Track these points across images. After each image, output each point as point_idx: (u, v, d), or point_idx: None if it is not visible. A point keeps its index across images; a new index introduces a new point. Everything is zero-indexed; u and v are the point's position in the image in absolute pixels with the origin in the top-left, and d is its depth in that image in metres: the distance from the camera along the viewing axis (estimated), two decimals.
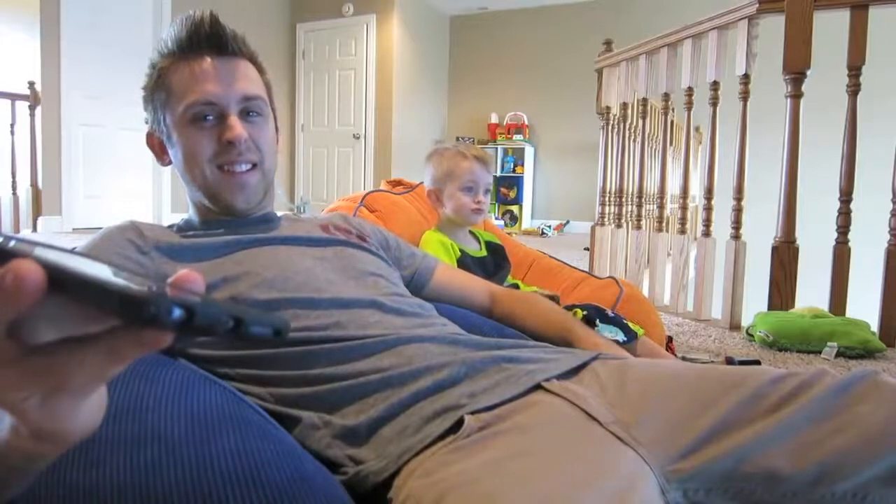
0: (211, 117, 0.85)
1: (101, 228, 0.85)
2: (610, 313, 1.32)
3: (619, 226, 3.14)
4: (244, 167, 0.87)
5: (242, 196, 0.88)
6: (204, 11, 0.85)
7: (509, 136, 6.70)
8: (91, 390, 0.28)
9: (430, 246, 1.36)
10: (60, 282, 0.23)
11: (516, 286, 1.48)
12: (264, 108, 0.90)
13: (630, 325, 1.31)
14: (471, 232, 1.52)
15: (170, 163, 0.92)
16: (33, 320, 0.25)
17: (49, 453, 0.30)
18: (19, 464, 0.30)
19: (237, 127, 0.84)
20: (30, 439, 0.28)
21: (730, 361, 1.63)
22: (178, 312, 0.22)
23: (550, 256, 1.79)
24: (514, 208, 6.61)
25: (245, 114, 0.87)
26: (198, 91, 0.83)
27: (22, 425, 0.27)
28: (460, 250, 1.38)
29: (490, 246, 1.49)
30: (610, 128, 3.23)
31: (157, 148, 0.92)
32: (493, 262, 1.44)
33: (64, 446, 0.29)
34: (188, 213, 0.95)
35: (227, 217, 0.91)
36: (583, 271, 1.68)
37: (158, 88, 0.87)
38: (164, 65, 0.86)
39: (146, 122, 0.93)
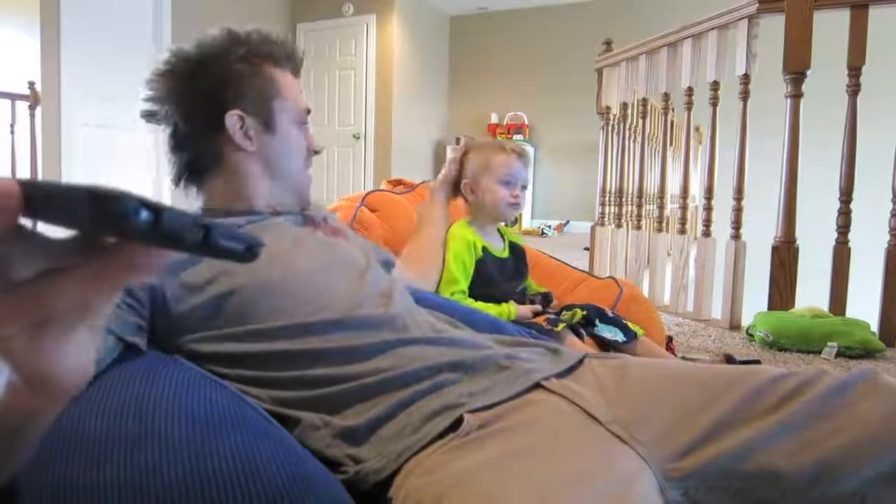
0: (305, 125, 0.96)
1: None
2: (610, 313, 1.32)
3: (619, 226, 3.14)
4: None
5: (308, 192, 0.99)
6: (289, 37, 0.96)
7: (509, 136, 6.69)
8: (77, 321, 0.28)
9: (454, 240, 1.32)
10: (35, 197, 0.24)
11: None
12: None
13: (630, 325, 1.31)
14: (498, 230, 1.48)
15: (248, 146, 0.89)
16: (14, 254, 0.26)
17: (45, 408, 0.31)
18: (18, 422, 0.31)
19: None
20: (24, 391, 0.29)
21: (729, 360, 1.63)
22: (145, 214, 0.22)
23: (550, 256, 1.79)
24: None
25: None
26: (303, 100, 0.95)
27: (14, 370, 0.28)
28: (483, 249, 1.34)
29: (513, 247, 1.44)
30: (610, 128, 3.23)
31: (240, 130, 0.88)
32: (514, 267, 1.40)
33: (57, 397, 0.30)
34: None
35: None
36: (583, 271, 1.68)
37: (259, 77, 0.89)
38: (263, 61, 0.90)
39: (222, 104, 0.87)
